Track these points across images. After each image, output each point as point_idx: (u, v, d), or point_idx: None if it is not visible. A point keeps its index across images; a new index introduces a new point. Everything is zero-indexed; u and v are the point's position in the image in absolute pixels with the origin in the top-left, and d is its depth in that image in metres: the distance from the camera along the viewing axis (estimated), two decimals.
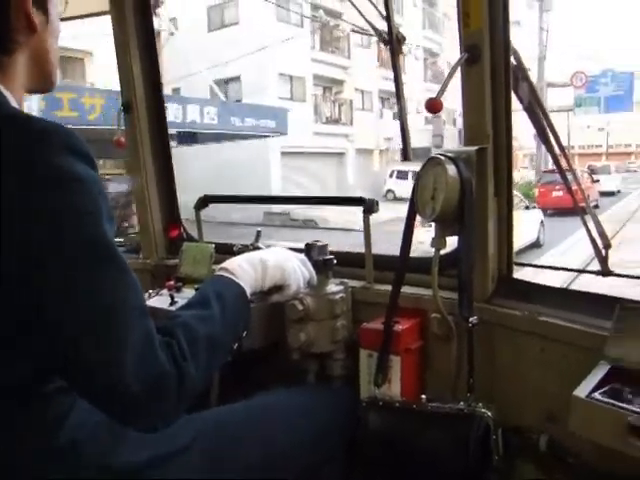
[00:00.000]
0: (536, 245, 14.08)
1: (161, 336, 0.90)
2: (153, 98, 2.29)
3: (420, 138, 20.95)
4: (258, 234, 1.80)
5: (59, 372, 0.89)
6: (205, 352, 0.97)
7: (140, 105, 2.26)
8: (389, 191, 24.12)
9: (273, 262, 1.28)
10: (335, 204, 2.73)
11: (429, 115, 25.45)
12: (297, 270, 1.34)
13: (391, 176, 26.09)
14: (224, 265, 1.22)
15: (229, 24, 22.22)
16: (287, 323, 1.58)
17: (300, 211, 17.79)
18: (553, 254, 12.43)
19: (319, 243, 1.55)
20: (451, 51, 28.68)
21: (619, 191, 29.21)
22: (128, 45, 2.21)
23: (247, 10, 21.52)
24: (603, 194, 22.68)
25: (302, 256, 1.40)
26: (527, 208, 14.77)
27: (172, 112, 14.05)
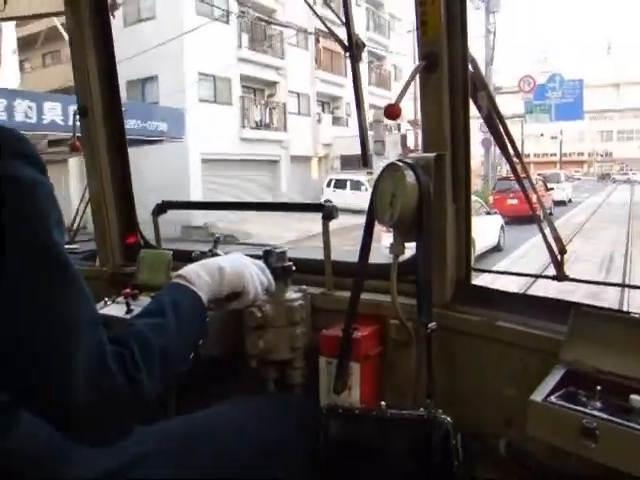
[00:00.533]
0: (497, 249, 14.45)
1: (114, 347, 0.88)
2: (110, 101, 2.25)
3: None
4: (216, 240, 1.78)
5: (6, 386, 0.86)
6: (160, 362, 0.96)
7: (97, 108, 2.21)
8: (327, 201, 22.64)
9: (231, 269, 1.27)
10: (294, 210, 2.73)
11: (371, 120, 25.68)
12: (255, 277, 1.33)
13: (329, 185, 25.02)
14: (181, 272, 1.21)
15: (145, 18, 20.10)
16: (246, 330, 1.56)
17: (223, 225, 15.49)
18: (512, 257, 12.96)
19: (277, 250, 1.54)
20: (398, 55, 28.38)
21: (570, 200, 29.43)
22: (84, 47, 2.16)
23: (164, 2, 19.59)
24: (555, 203, 22.98)
25: (260, 263, 1.39)
26: (488, 213, 15.10)
27: (21, 110, 12.36)
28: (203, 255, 1.73)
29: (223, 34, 20.97)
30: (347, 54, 1.62)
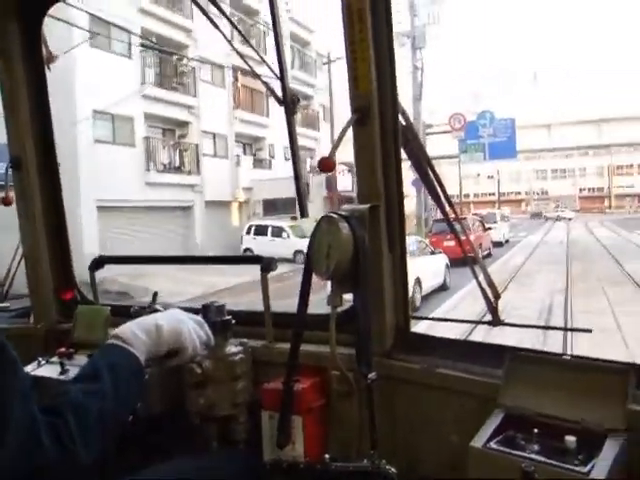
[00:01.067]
0: (443, 288, 14.67)
1: (48, 417, 0.86)
2: (44, 153, 2.20)
3: (288, 186, 18.82)
4: (155, 295, 1.75)
5: None
6: (96, 428, 0.95)
7: (30, 160, 2.16)
8: (247, 250, 21.39)
9: (168, 326, 1.26)
10: (231, 263, 2.73)
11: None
12: (193, 333, 1.32)
13: (248, 232, 23.41)
14: (117, 332, 1.19)
15: None
16: (186, 387, 1.52)
17: (125, 280, 14.15)
18: (459, 294, 12.95)
19: (216, 303, 1.53)
20: (325, 94, 27.74)
21: (507, 240, 29.02)
22: (18, 97, 2.12)
23: (56, 32, 17.86)
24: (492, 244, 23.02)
25: (199, 318, 1.39)
26: (433, 253, 15.28)
27: None
28: (142, 310, 1.69)
29: (125, 69, 19.36)
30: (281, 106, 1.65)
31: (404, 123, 1.49)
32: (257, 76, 1.85)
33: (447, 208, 1.48)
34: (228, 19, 1.86)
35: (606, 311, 10.53)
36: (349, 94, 1.50)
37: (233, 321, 1.55)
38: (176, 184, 21.65)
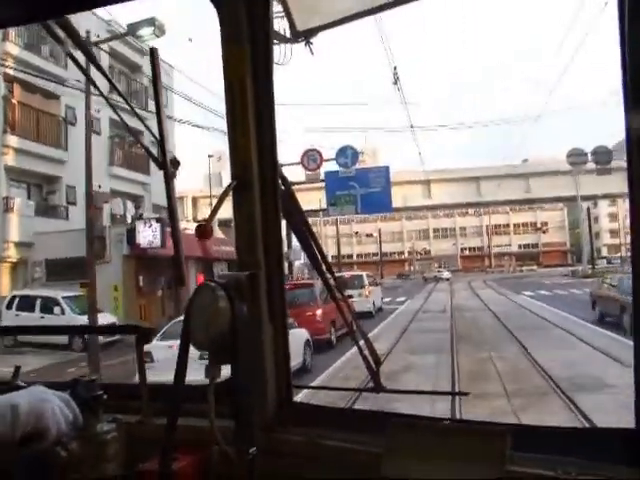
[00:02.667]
0: (304, 370, 12.60)
1: None
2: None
3: (79, 241, 16.06)
4: (17, 370, 1.61)
5: None
6: None
7: None
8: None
9: (26, 406, 1.15)
10: (106, 333, 2.60)
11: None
12: (58, 412, 1.22)
13: (10, 306, 18.08)
14: None
15: None
16: (50, 474, 1.39)
17: None
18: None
19: (85, 378, 1.42)
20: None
21: (380, 309, 24.60)
22: None
23: None
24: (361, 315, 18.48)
25: (65, 395, 1.28)
26: (290, 327, 14.64)
27: None
28: (2, 386, 1.55)
29: None
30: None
31: (284, 188, 1.50)
32: (135, 136, 1.80)
33: (327, 274, 1.48)
34: (105, 75, 1.80)
35: None
36: (230, 160, 1.50)
37: (105, 396, 1.44)
38: None
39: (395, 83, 21.22)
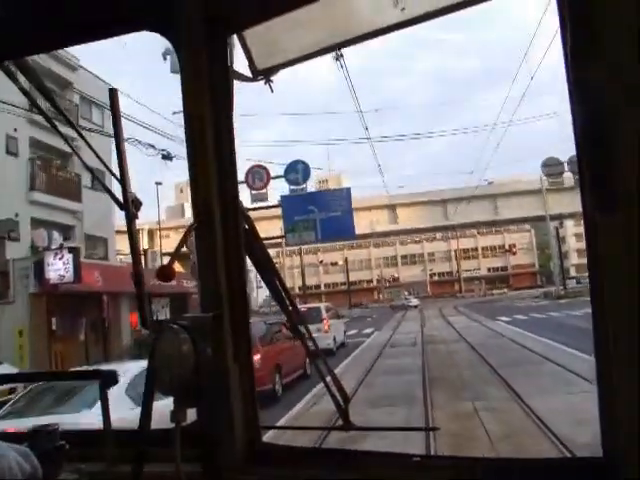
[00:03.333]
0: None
1: None
2: None
3: None
4: None
5: None
6: None
7: None
8: None
9: None
10: (67, 379, 2.54)
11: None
12: (15, 466, 1.17)
13: None
14: None
15: None
16: None
17: None
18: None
19: (48, 428, 1.38)
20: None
21: (343, 344, 22.00)
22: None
23: None
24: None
25: (23, 448, 1.23)
26: None
27: None
28: None
29: None
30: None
31: (246, 226, 1.50)
32: (93, 174, 1.78)
33: (290, 309, 1.47)
34: (37, 107, 1.76)
35: None
36: (191, 199, 1.49)
37: (67, 445, 1.40)
38: None
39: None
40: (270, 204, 24.22)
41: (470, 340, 18.96)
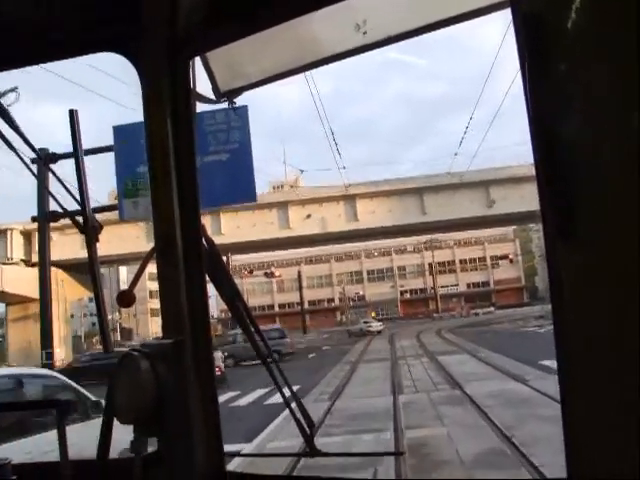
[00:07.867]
0: None
1: None
2: None
3: None
4: None
5: None
6: None
7: None
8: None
9: None
10: (23, 409, 2.45)
11: None
12: None
13: None
14: None
15: None
16: None
17: None
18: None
19: None
20: None
21: None
22: None
23: None
24: None
25: None
26: None
27: None
28: None
29: None
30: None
31: (207, 247, 1.48)
32: (57, 201, 1.74)
33: (255, 335, 1.44)
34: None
35: None
36: (153, 221, 1.46)
37: None
38: None
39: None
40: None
41: (515, 433, 8.09)
